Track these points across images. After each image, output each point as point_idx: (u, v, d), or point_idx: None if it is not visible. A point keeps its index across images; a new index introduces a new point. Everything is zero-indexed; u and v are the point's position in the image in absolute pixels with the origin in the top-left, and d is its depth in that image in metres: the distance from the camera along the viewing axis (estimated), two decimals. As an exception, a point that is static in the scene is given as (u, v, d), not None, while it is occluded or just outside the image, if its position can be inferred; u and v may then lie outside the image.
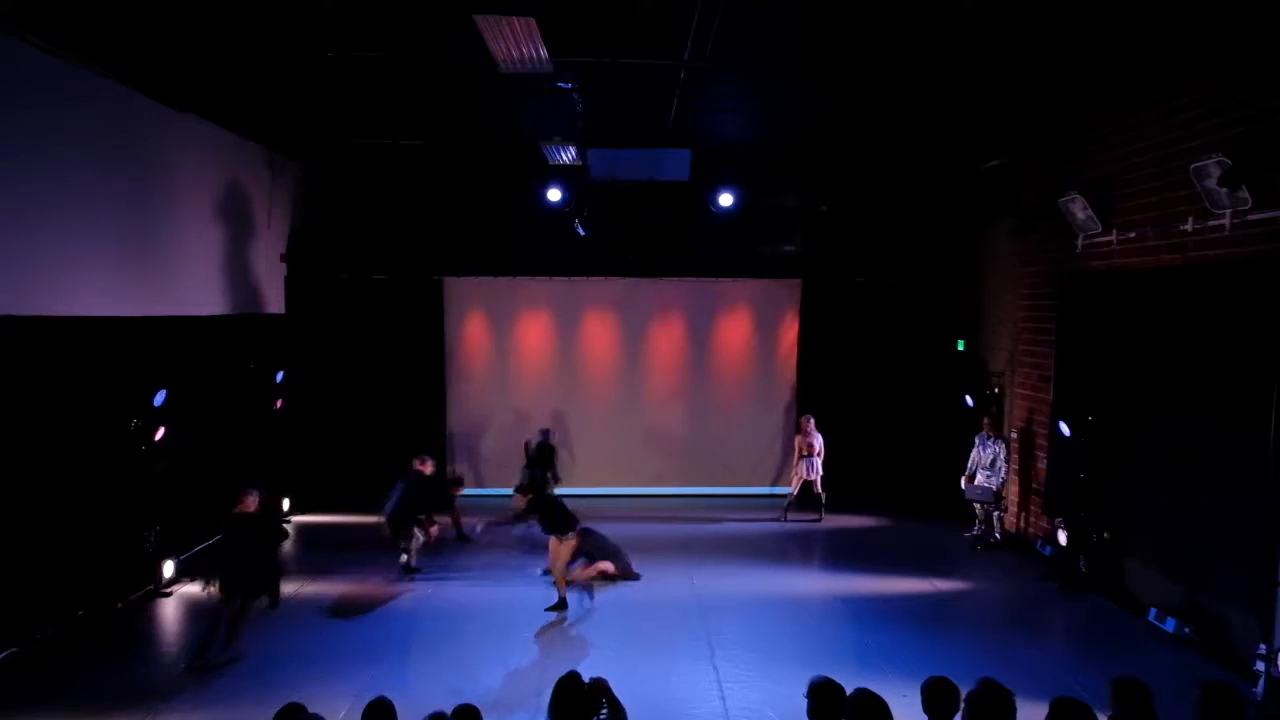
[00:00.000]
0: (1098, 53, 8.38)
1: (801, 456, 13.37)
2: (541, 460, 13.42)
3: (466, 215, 14.43)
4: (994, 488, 11.89)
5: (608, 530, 10.70)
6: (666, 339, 15.10)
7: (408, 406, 14.38)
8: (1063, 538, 10.45)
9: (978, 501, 12.14)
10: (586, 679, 4.97)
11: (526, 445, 13.56)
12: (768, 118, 11.60)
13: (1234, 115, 7.86)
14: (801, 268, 14.93)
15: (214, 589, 8.12)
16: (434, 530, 10.85)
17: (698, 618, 9.20)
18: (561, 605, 9.39)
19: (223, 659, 7.90)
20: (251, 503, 8.46)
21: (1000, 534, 12.16)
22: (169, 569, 10.00)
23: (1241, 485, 7.84)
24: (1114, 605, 9.71)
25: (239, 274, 12.57)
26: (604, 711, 4.85)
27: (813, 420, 13.42)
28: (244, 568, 8.16)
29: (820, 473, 13.26)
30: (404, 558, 10.45)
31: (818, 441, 13.26)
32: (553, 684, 4.90)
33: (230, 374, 12.11)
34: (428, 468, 11.05)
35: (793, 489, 13.57)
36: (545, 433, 13.72)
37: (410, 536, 10.49)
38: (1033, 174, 11.86)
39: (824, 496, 13.40)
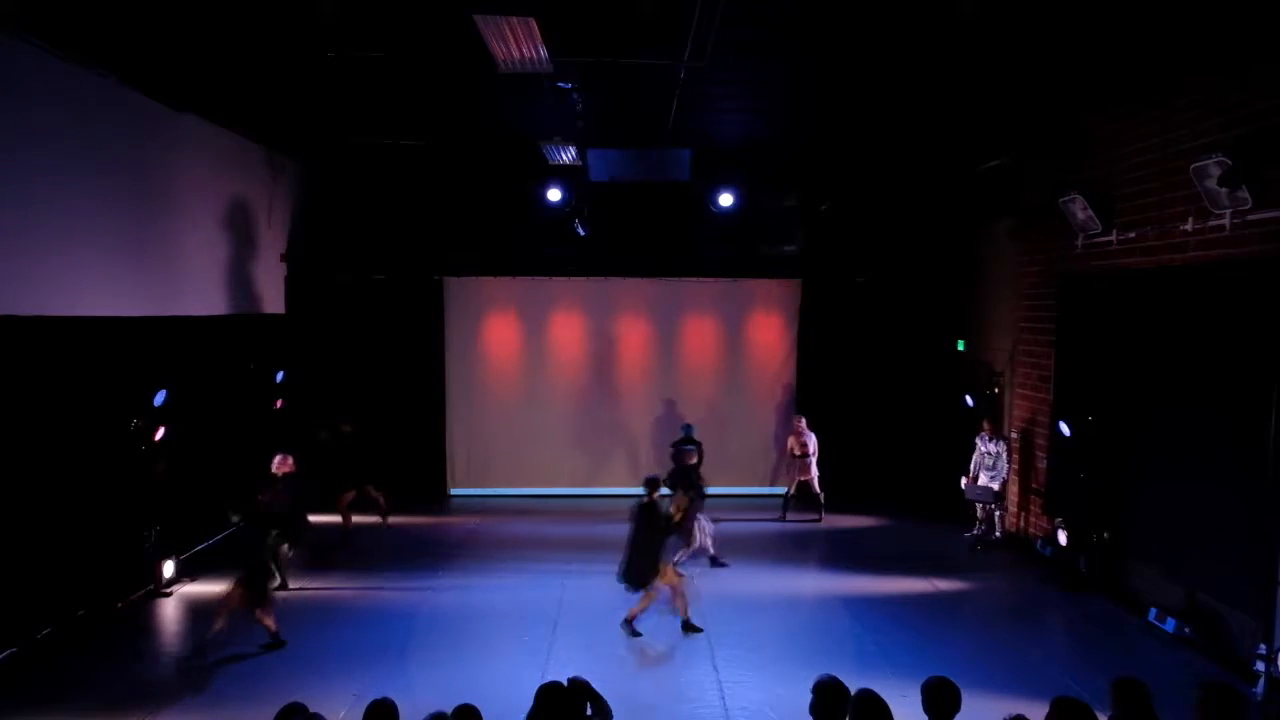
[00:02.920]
0: (1098, 53, 8.37)
1: (794, 456, 13.38)
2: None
3: (466, 215, 14.42)
4: (995, 488, 11.91)
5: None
6: (666, 339, 15.10)
7: (407, 407, 14.36)
8: (1063, 538, 10.45)
9: (979, 501, 12.15)
10: (583, 681, 4.94)
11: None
12: (768, 118, 11.59)
13: (1234, 115, 7.86)
14: (801, 268, 14.93)
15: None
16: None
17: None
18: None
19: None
20: (286, 464, 9.80)
21: (1000, 534, 12.18)
22: (169, 569, 10.00)
23: (1241, 485, 7.84)
24: (1114, 605, 9.71)
25: (239, 274, 12.57)
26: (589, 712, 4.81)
27: (804, 420, 13.41)
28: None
29: (815, 472, 13.27)
30: (710, 552, 11.00)
31: (811, 441, 13.26)
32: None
33: (230, 374, 12.11)
34: (693, 459, 11.32)
35: (789, 489, 13.60)
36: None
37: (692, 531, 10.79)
38: (1033, 174, 11.85)
39: (823, 497, 13.40)
